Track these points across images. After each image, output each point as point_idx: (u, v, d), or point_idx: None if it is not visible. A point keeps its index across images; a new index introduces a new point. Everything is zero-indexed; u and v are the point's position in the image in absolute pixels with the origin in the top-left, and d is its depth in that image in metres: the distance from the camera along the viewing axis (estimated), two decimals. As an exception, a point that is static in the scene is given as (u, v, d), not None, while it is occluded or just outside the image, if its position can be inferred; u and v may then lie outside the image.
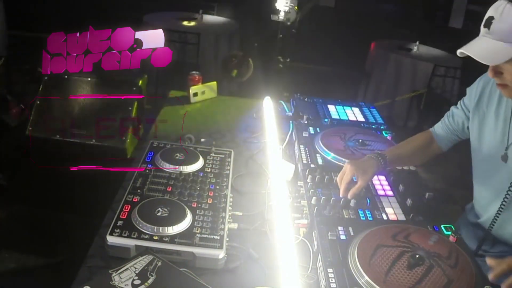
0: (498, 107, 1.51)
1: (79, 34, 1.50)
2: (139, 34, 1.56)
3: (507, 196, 1.47)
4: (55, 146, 2.67)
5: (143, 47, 1.56)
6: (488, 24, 1.26)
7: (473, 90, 1.61)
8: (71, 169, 2.44)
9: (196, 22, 5.08)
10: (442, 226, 1.44)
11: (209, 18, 5.40)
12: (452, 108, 1.72)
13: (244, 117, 2.42)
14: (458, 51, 1.31)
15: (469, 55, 1.27)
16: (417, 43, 5.15)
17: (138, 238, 1.33)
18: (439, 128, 1.75)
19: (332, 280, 1.18)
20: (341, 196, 1.55)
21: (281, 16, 2.36)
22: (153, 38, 1.56)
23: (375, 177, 1.70)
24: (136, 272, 1.21)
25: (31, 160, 2.65)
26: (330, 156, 1.82)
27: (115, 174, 1.82)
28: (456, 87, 4.85)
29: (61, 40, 1.50)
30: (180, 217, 1.42)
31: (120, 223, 1.38)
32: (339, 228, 1.38)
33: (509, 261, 1.22)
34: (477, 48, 1.28)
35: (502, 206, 1.50)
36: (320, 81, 5.64)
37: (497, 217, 1.53)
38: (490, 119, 1.53)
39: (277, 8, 2.36)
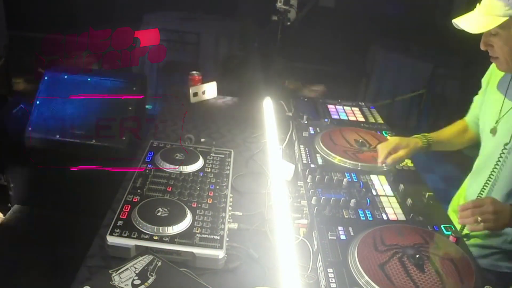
0: (499, 84, 1.60)
1: (78, 35, 1.51)
2: (137, 33, 1.62)
3: (494, 169, 1.52)
4: (55, 146, 2.66)
5: (140, 46, 1.62)
6: (480, 0, 1.41)
7: (485, 78, 1.71)
8: (71, 169, 2.45)
9: (196, 22, 5.08)
10: (442, 226, 1.44)
11: (209, 18, 5.40)
12: (475, 97, 1.80)
13: (244, 117, 2.42)
14: (453, 21, 1.45)
15: (457, 24, 1.42)
16: (417, 43, 5.15)
17: (138, 238, 1.34)
18: (468, 115, 1.84)
19: (332, 280, 1.18)
20: (379, 162, 1.70)
21: (281, 16, 2.37)
22: (149, 37, 1.63)
23: (375, 177, 1.70)
24: (136, 272, 1.21)
25: (31, 160, 2.65)
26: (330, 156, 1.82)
27: (115, 174, 1.82)
28: (456, 87, 4.85)
29: (58, 42, 1.50)
30: (180, 217, 1.42)
31: (120, 223, 1.38)
32: (339, 228, 1.39)
33: (474, 203, 1.37)
34: (464, 19, 1.43)
35: (488, 181, 1.53)
36: (319, 81, 5.63)
37: (483, 191, 1.57)
38: (492, 95, 1.62)
39: (277, 8, 2.37)
